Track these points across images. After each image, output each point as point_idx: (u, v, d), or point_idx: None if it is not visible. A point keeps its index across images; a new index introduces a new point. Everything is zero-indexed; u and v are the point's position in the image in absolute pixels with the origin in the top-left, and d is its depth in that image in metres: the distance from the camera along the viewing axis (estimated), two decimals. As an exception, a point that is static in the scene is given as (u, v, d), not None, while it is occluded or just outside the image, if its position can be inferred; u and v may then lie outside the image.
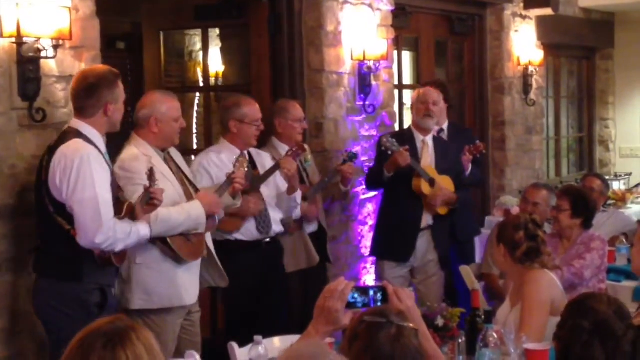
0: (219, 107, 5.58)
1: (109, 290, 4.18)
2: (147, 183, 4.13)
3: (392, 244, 6.16)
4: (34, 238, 4.24)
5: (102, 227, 3.90)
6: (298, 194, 5.48)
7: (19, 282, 4.30)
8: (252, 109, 5.33)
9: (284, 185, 5.41)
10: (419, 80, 8.10)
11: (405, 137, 6.16)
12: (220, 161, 5.24)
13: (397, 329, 2.47)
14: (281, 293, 5.48)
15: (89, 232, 3.90)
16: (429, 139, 6.23)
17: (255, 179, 5.27)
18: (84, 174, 3.91)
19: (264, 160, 5.47)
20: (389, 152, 5.81)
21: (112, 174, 4.15)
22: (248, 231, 5.28)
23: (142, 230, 4.12)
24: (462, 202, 6.76)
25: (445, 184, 6.15)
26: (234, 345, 3.88)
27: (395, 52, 7.54)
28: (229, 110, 5.34)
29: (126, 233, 4.01)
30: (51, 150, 4.02)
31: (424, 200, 6.05)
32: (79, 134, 4.03)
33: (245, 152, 5.29)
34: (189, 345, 4.54)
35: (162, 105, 4.64)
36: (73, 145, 3.97)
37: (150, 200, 4.12)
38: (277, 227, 5.41)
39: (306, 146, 6.07)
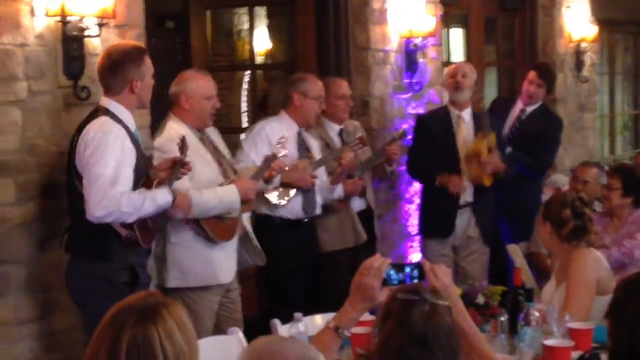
0: (286, 82, 5.64)
1: (140, 269, 4.09)
2: (177, 154, 4.14)
3: (433, 221, 6.18)
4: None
5: (102, 201, 3.80)
6: (338, 188, 5.58)
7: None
8: (316, 85, 5.42)
9: (325, 174, 5.53)
10: (469, 58, 8.01)
11: (440, 115, 6.19)
12: (280, 131, 5.27)
13: (430, 306, 2.43)
14: (316, 272, 5.50)
15: (90, 206, 3.83)
16: (466, 114, 6.17)
17: (313, 163, 5.37)
18: (100, 151, 3.83)
19: (314, 145, 5.53)
20: None
21: (140, 151, 4.06)
22: (294, 209, 5.31)
23: (160, 197, 3.98)
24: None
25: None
26: (277, 322, 3.88)
27: (444, 29, 7.46)
28: (294, 83, 5.44)
29: (136, 205, 3.88)
30: (79, 129, 3.98)
31: (473, 167, 6.00)
32: (107, 112, 3.98)
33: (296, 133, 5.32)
34: (230, 322, 4.58)
35: (193, 82, 4.68)
36: (98, 122, 3.92)
37: (182, 170, 4.12)
38: (318, 210, 5.46)
39: (357, 123, 6.08)
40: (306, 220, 5.41)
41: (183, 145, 4.17)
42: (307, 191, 5.33)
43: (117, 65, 4.02)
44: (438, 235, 6.18)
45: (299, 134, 5.42)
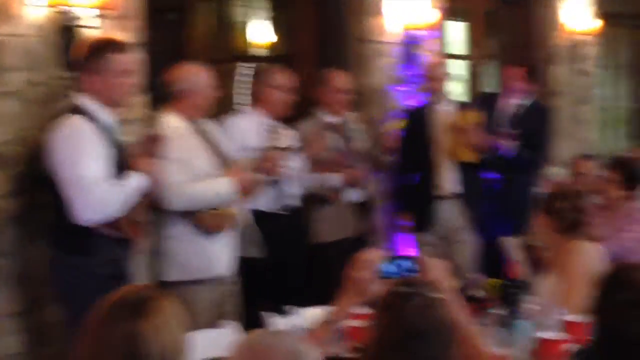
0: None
1: (124, 263, 4.05)
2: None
3: (414, 215, 6.21)
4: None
5: (88, 204, 3.79)
6: (334, 177, 5.58)
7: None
8: (283, 76, 5.36)
9: (302, 163, 5.45)
10: (469, 51, 8.00)
11: (421, 106, 6.23)
12: (249, 124, 5.24)
13: (425, 299, 2.44)
14: (302, 266, 5.46)
15: (78, 211, 3.81)
16: (446, 104, 6.18)
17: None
18: (75, 153, 3.78)
19: (286, 136, 5.46)
20: None
21: (117, 145, 4.00)
22: (265, 201, 5.22)
23: (134, 183, 3.97)
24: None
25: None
26: (268, 314, 3.87)
27: (444, 22, 7.43)
28: (260, 76, 5.40)
29: (120, 199, 3.88)
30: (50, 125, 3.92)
31: (452, 138, 6.01)
32: (77, 109, 3.89)
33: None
34: (229, 315, 4.57)
35: (190, 76, 4.67)
36: (67, 121, 3.84)
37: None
38: (292, 201, 5.39)
39: (355, 115, 6.07)
40: (285, 213, 5.32)
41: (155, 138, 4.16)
42: (276, 182, 5.27)
43: (81, 59, 3.95)
44: (419, 229, 6.21)
45: (271, 126, 5.36)
